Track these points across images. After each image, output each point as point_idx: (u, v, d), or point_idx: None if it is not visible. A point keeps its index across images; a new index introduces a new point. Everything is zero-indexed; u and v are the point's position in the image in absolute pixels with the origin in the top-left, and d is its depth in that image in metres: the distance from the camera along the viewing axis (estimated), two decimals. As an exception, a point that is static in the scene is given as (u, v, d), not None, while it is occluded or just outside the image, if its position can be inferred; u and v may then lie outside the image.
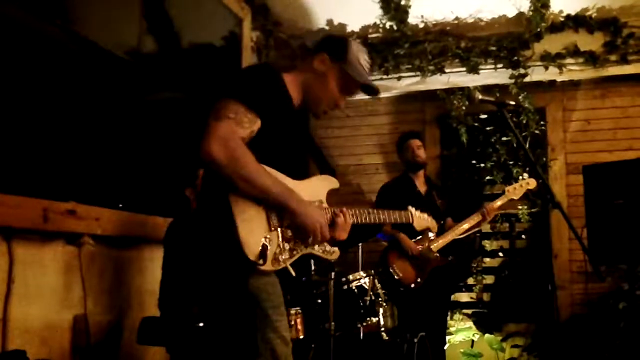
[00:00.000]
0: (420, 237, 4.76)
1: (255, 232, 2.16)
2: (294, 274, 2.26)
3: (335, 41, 2.58)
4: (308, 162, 2.60)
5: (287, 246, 2.26)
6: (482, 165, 6.17)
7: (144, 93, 4.04)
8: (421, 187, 5.10)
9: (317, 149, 2.75)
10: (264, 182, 2.14)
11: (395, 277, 4.73)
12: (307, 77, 2.50)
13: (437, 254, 4.77)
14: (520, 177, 4.82)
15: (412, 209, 3.01)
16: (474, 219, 4.78)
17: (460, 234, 4.81)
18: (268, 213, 2.21)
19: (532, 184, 4.73)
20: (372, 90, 2.62)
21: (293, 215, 2.22)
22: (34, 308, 3.15)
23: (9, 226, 2.93)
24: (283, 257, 2.23)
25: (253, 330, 2.17)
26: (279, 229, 2.24)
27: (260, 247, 2.15)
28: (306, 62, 2.53)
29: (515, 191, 4.74)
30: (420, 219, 3.05)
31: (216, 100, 2.18)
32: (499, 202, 4.78)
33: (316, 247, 2.39)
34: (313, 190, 2.44)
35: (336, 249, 2.50)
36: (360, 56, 2.51)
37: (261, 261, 2.14)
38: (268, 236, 2.19)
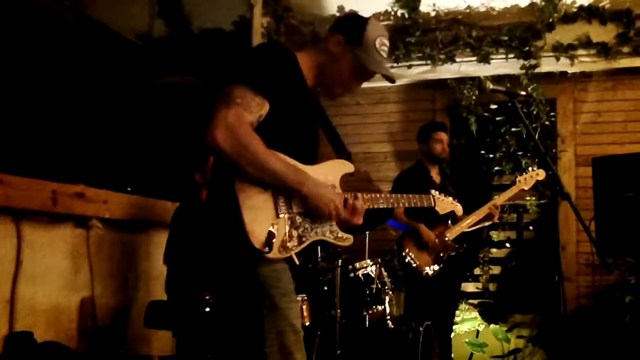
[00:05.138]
0: (437, 225, 4.77)
1: (261, 219, 2.10)
2: (297, 262, 2.20)
3: (352, 22, 2.44)
4: (319, 144, 2.52)
5: (295, 233, 2.20)
6: (491, 155, 6.15)
7: (155, 77, 4.04)
8: (436, 177, 5.06)
9: (333, 131, 2.65)
10: (274, 167, 2.09)
11: (413, 265, 4.73)
12: (321, 57, 2.41)
13: (453, 242, 4.78)
14: (530, 168, 4.79)
15: (434, 192, 2.90)
16: (483, 211, 4.76)
17: (471, 226, 4.81)
18: (276, 199, 2.16)
19: (542, 174, 4.71)
20: (387, 78, 2.51)
21: (306, 198, 2.17)
22: (42, 290, 3.16)
23: (19, 208, 2.94)
24: (291, 244, 2.18)
25: (260, 319, 2.12)
26: (287, 216, 2.18)
27: (266, 235, 2.09)
28: (323, 41, 2.44)
29: (526, 181, 4.73)
30: (444, 202, 2.94)
31: (224, 85, 2.13)
32: (509, 193, 4.77)
33: (328, 233, 2.32)
34: (326, 175, 2.37)
35: (350, 235, 2.42)
36: (378, 41, 2.38)
37: (267, 249, 2.08)
38: (275, 223, 2.13)
